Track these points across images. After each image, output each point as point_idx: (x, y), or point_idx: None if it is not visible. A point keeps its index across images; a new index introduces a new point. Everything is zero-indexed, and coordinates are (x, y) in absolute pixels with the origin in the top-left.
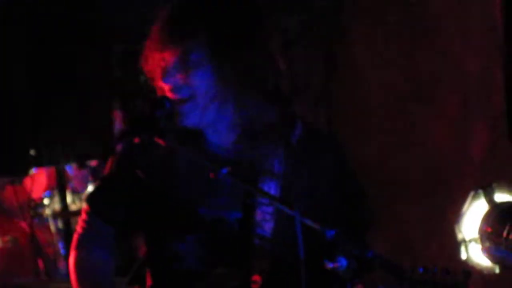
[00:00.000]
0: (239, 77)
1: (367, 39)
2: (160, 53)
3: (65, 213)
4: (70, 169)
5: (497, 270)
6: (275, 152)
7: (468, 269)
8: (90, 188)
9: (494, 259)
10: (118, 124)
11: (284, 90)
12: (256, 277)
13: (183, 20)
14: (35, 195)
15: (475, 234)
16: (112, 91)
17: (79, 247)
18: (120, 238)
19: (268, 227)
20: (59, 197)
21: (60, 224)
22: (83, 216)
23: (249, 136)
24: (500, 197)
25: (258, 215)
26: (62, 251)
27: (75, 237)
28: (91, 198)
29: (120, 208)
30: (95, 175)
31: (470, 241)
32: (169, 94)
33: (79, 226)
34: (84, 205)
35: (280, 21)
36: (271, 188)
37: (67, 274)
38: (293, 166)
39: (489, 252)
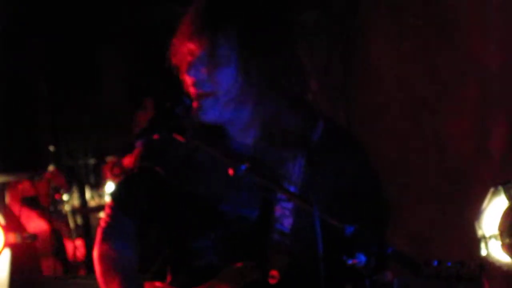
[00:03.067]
0: (262, 80)
1: (385, 36)
2: (188, 46)
3: (84, 209)
4: None
5: None
6: (294, 155)
7: (482, 261)
8: (108, 184)
9: None
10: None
11: (308, 96)
12: (274, 272)
13: (215, 14)
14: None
15: (495, 231)
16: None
17: (103, 241)
18: (142, 233)
19: (287, 223)
20: (78, 193)
21: (79, 220)
22: (107, 210)
23: (266, 139)
24: None
25: (278, 211)
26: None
27: (99, 230)
28: (115, 193)
29: (143, 204)
30: (113, 171)
31: (490, 237)
32: (191, 88)
33: (103, 220)
34: (109, 200)
35: (298, 19)
36: (290, 187)
37: (86, 270)
38: (313, 164)
39: (509, 249)
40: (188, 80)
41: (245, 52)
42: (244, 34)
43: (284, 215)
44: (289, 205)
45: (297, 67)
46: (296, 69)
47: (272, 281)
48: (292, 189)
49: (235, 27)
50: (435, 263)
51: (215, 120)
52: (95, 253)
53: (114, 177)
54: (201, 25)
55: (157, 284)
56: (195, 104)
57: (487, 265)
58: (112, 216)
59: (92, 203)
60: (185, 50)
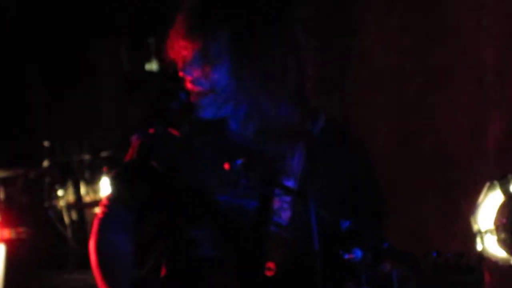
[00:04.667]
0: (256, 77)
1: (382, 29)
2: (182, 44)
3: (79, 205)
4: None
5: None
6: (294, 148)
7: (481, 252)
8: (103, 179)
9: (509, 250)
10: None
11: (307, 89)
12: (271, 264)
13: (206, 14)
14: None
15: (491, 226)
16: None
17: (99, 232)
18: (139, 226)
19: (285, 215)
20: (72, 188)
21: (74, 215)
22: (105, 201)
23: (265, 132)
24: None
25: (276, 204)
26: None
27: (95, 222)
28: (112, 185)
29: (140, 196)
30: (108, 165)
31: (485, 232)
32: (189, 85)
33: (100, 212)
34: (106, 191)
35: (294, 13)
36: (289, 181)
37: (80, 265)
38: (312, 158)
39: (505, 243)
40: (184, 77)
41: (236, 51)
42: (236, 33)
43: (282, 208)
44: (288, 198)
45: (293, 63)
46: (292, 65)
47: (268, 273)
48: (290, 182)
49: (226, 27)
50: (434, 254)
51: (214, 116)
52: (91, 244)
53: (109, 171)
54: (193, 25)
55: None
56: (193, 101)
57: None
58: (109, 207)
59: (87, 198)
60: (180, 47)
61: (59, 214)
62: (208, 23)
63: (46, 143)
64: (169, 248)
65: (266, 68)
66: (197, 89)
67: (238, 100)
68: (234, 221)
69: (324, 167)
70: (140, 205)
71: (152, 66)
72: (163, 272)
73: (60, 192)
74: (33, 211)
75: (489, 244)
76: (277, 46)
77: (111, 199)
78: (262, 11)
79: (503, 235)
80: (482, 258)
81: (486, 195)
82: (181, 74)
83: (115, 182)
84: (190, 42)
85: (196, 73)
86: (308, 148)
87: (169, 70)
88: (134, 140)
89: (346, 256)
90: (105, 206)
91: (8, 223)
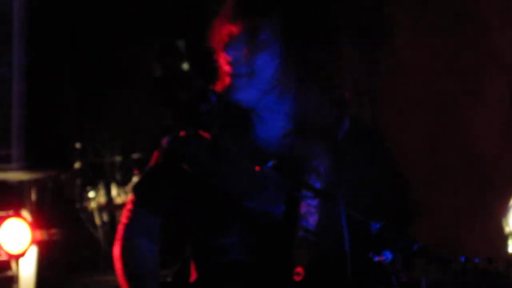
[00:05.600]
0: (306, 71)
1: (411, 31)
2: (229, 28)
3: (110, 206)
4: None
5: None
6: (322, 150)
7: (510, 258)
8: (134, 180)
9: None
10: None
11: (343, 91)
12: (299, 269)
13: None
14: None
15: None
16: (156, 86)
17: (124, 237)
18: (166, 230)
19: (312, 220)
20: (104, 190)
21: (105, 217)
22: (129, 206)
23: (299, 133)
24: None
25: (303, 208)
26: (106, 243)
27: (120, 227)
28: (137, 188)
29: (166, 200)
30: (139, 168)
31: None
32: (226, 67)
33: (124, 217)
34: (130, 195)
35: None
36: (317, 184)
37: (111, 267)
38: (340, 161)
39: None
40: (223, 58)
41: (288, 38)
42: (289, 22)
43: (310, 212)
44: (314, 202)
45: (337, 60)
46: (336, 63)
47: (297, 278)
48: (318, 185)
49: (280, 13)
50: (463, 259)
51: (250, 102)
52: (116, 250)
53: (140, 173)
54: (244, 6)
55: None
56: (227, 82)
57: None
58: (134, 212)
59: (118, 200)
60: (226, 31)
61: (90, 215)
62: (263, 5)
63: (77, 145)
64: (196, 253)
65: (318, 61)
66: (234, 71)
67: (284, 90)
68: (262, 227)
69: (351, 169)
70: (166, 208)
71: (183, 68)
72: (192, 277)
73: (91, 194)
74: (65, 213)
75: None
76: (327, 42)
77: (136, 203)
78: (314, 5)
79: None
80: (511, 265)
81: None
82: (219, 55)
83: (140, 185)
84: (240, 22)
85: (239, 54)
86: (335, 150)
87: (201, 72)
88: (165, 142)
89: (376, 259)
90: (130, 210)
91: (40, 225)
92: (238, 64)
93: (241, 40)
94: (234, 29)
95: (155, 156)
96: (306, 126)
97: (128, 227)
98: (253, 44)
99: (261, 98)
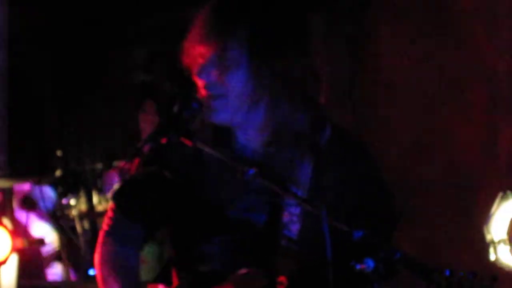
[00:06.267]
0: (275, 82)
1: (393, 38)
2: (199, 49)
3: (91, 214)
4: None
5: None
6: (303, 159)
7: (495, 273)
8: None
9: None
10: (145, 126)
11: (319, 98)
12: (282, 278)
13: (225, 16)
14: None
15: (504, 235)
16: (138, 92)
17: (104, 244)
18: (146, 237)
19: (294, 228)
20: (85, 197)
21: (86, 224)
22: (109, 213)
23: (277, 142)
24: None
25: (285, 217)
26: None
27: (101, 233)
28: (117, 196)
29: (146, 207)
30: (122, 176)
31: (499, 242)
32: (202, 91)
33: (105, 223)
34: (110, 203)
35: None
36: (298, 192)
37: (93, 275)
38: (321, 169)
39: None
40: (199, 82)
41: (256, 55)
42: (255, 36)
43: (292, 221)
44: (297, 211)
45: (310, 69)
46: (309, 71)
47: (280, 287)
48: (299, 193)
49: (246, 29)
50: (447, 273)
51: (226, 122)
52: (96, 257)
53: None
54: (211, 28)
55: (160, 287)
56: (206, 105)
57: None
58: (114, 220)
59: (100, 207)
60: (196, 52)
61: (71, 223)
62: (227, 24)
63: (58, 152)
64: (178, 260)
65: (286, 70)
66: (210, 93)
67: (254, 104)
68: (244, 236)
69: (332, 177)
70: (147, 216)
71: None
72: (174, 284)
73: (72, 201)
74: (46, 220)
75: (503, 254)
76: (295, 50)
77: (116, 211)
78: (280, 14)
79: None
80: (496, 279)
81: (499, 205)
82: (195, 79)
83: (121, 193)
84: (208, 44)
85: (212, 76)
86: (316, 158)
87: (181, 79)
88: (146, 150)
89: (358, 267)
90: (110, 218)
91: (20, 233)
92: (213, 86)
93: (213, 61)
94: (204, 51)
95: (135, 163)
96: (283, 136)
97: (107, 234)
98: (223, 64)
99: (236, 115)
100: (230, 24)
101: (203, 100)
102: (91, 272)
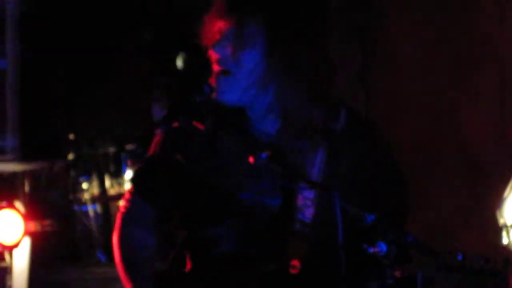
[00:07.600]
0: (286, 65)
1: (405, 23)
2: (218, 24)
3: (103, 198)
4: None
5: None
6: (315, 147)
7: (508, 257)
8: (128, 172)
9: None
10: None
11: (331, 85)
12: (295, 262)
13: None
14: None
15: None
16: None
17: (122, 227)
18: (162, 219)
19: (308, 212)
20: (97, 181)
21: (98, 208)
22: (127, 196)
23: (286, 129)
24: None
25: (299, 201)
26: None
27: (118, 216)
28: (134, 178)
29: (162, 190)
30: (133, 159)
31: (511, 226)
32: (215, 65)
33: (122, 206)
34: (128, 185)
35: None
36: (311, 177)
37: (105, 259)
38: (335, 155)
39: None
40: (213, 56)
41: (271, 36)
42: (273, 18)
43: (306, 205)
44: (311, 195)
45: (323, 55)
46: (322, 57)
47: (293, 271)
48: (313, 177)
49: (265, 9)
50: (460, 257)
51: (234, 102)
52: (114, 239)
53: (133, 165)
54: (232, 3)
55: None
56: (214, 83)
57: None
58: (131, 202)
59: (112, 191)
60: (215, 28)
61: (83, 207)
62: (248, 1)
63: (71, 136)
64: (190, 244)
65: (298, 55)
66: (221, 68)
67: (263, 86)
68: (258, 219)
69: (346, 162)
70: (163, 199)
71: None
72: (187, 266)
73: (84, 185)
74: (58, 204)
75: None
76: (310, 36)
77: (133, 193)
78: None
79: None
80: (509, 263)
81: None
82: (210, 53)
83: (137, 176)
84: (227, 19)
85: (227, 51)
86: (331, 145)
87: (194, 63)
88: (158, 133)
89: (371, 250)
90: (128, 200)
91: (33, 216)
92: (225, 61)
93: (229, 36)
94: (223, 24)
95: (152, 146)
96: (294, 123)
97: (125, 216)
98: (239, 39)
99: (243, 96)
100: (251, 2)
101: (214, 76)
102: (100, 255)
